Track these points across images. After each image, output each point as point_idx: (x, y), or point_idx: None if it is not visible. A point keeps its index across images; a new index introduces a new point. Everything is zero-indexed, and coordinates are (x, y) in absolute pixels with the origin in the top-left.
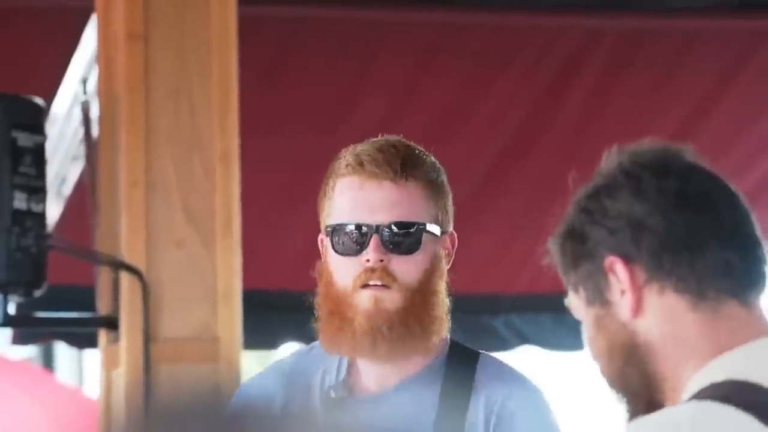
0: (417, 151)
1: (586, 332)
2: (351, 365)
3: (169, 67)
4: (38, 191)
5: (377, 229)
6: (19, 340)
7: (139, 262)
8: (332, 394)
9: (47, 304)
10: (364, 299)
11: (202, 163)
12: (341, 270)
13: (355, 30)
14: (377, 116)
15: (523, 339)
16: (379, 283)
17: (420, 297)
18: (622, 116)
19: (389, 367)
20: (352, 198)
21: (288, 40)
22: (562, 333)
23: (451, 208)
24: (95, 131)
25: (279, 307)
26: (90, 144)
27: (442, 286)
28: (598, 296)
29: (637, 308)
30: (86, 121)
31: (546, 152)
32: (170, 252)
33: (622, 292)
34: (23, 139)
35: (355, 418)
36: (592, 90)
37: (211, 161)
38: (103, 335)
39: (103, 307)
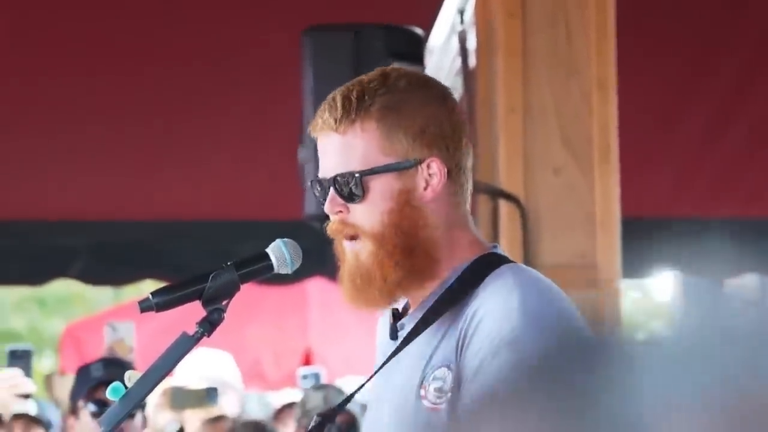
0: (372, 86)
1: None
2: None
3: None
4: None
5: (330, 182)
6: None
7: (517, 190)
8: (390, 318)
9: None
10: (346, 251)
11: (580, 89)
12: None
13: None
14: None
15: None
16: (347, 235)
17: (388, 238)
18: None
19: (411, 294)
20: (318, 154)
21: None
22: None
23: (427, 134)
24: (472, 61)
25: (655, 235)
26: (467, 73)
27: (419, 219)
28: None
29: None
30: (463, 50)
31: None
32: (548, 179)
33: None
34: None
35: None
36: None
37: (589, 87)
38: None
39: (483, 235)
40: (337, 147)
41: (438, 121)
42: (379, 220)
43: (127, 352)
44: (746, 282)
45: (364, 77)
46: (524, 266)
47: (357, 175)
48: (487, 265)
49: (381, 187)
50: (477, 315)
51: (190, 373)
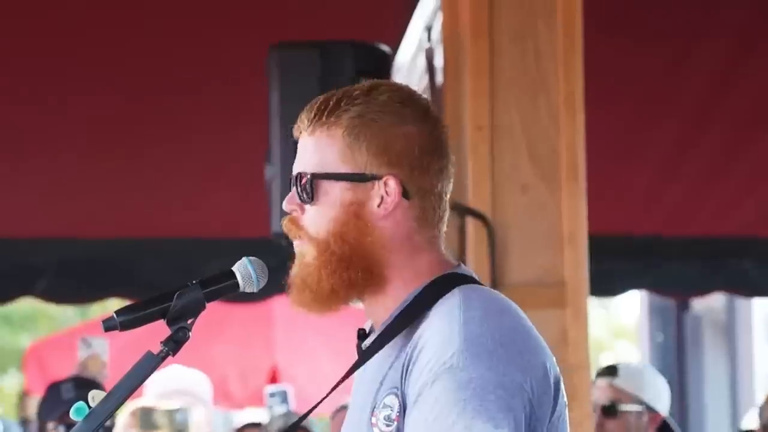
0: (354, 94)
1: None
2: None
3: (513, 11)
4: None
5: (294, 179)
6: None
7: (484, 207)
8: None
9: None
10: (296, 250)
11: (547, 107)
12: None
13: None
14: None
15: None
16: (294, 235)
17: (329, 246)
18: None
19: (369, 313)
20: None
21: None
22: None
23: (391, 152)
24: (439, 78)
25: (622, 253)
26: (434, 90)
27: (366, 235)
28: None
29: None
30: (430, 68)
31: None
32: (515, 196)
33: None
34: None
35: None
36: None
37: (556, 105)
38: None
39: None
40: (306, 147)
41: (407, 141)
42: (325, 226)
43: (101, 368)
44: (713, 300)
45: (355, 85)
46: (479, 287)
47: (309, 176)
48: (443, 285)
49: (333, 194)
50: (421, 339)
51: (163, 388)
